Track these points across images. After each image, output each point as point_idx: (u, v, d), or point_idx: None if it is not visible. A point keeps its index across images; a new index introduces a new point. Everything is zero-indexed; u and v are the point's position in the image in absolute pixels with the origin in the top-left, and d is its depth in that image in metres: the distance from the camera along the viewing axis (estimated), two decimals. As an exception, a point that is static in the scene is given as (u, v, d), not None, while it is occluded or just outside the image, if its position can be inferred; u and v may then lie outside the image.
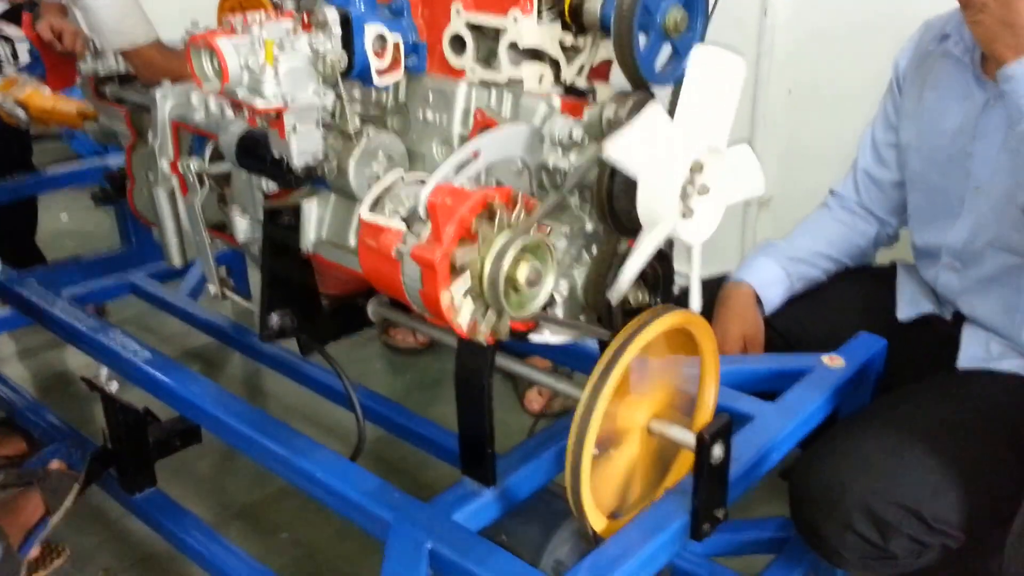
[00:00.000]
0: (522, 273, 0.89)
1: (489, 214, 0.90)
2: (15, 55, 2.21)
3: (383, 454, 1.98)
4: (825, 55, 2.07)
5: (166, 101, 1.45)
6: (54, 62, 1.99)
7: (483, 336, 0.91)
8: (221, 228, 1.43)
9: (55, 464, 1.54)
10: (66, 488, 1.50)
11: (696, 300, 1.06)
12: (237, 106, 1.02)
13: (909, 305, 1.56)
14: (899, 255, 1.67)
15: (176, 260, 1.54)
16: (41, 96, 1.97)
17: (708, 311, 1.57)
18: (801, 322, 1.59)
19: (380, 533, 1.10)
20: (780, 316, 1.60)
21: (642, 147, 0.90)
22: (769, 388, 1.38)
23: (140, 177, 1.60)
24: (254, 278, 1.63)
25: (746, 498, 1.27)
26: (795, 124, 2.18)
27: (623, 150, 0.90)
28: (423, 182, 0.99)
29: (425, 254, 0.87)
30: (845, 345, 1.44)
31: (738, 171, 1.04)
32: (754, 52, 2.15)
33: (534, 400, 2.14)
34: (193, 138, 1.44)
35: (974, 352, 1.42)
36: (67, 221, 3.26)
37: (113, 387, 1.56)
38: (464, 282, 0.90)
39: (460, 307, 0.90)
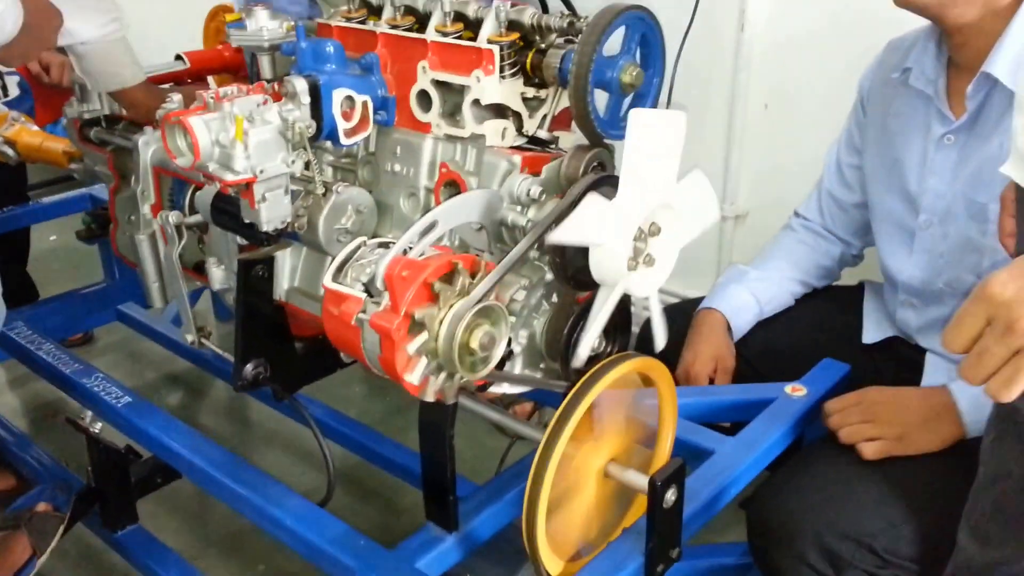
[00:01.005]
0: (476, 339, 0.97)
1: (446, 281, 0.99)
2: (4, 89, 2.29)
3: (362, 479, 2.06)
4: (801, 71, 2.14)
5: (148, 147, 1.53)
6: (42, 95, 2.07)
7: (431, 395, 0.99)
8: (202, 268, 1.52)
9: (41, 507, 1.62)
10: (52, 530, 1.58)
11: (660, 338, 1.13)
12: (209, 178, 1.10)
13: (875, 328, 1.64)
14: (867, 274, 1.75)
15: (157, 302, 1.61)
16: (29, 133, 2.04)
17: (684, 333, 1.68)
18: (771, 347, 1.66)
19: (346, 579, 1.19)
20: (750, 341, 1.68)
21: (584, 230, 0.98)
22: (734, 418, 1.47)
23: (122, 220, 1.68)
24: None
25: (713, 522, 1.36)
26: (771, 139, 2.25)
27: (568, 235, 0.98)
28: (387, 245, 1.07)
29: (383, 323, 0.95)
30: (808, 373, 1.52)
31: (692, 203, 1.09)
32: (731, 67, 2.22)
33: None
34: (174, 182, 1.53)
35: (936, 381, 1.47)
36: (55, 240, 3.35)
37: (97, 427, 1.64)
38: (421, 342, 0.98)
39: (415, 363, 0.98)
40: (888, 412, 1.35)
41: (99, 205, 1.95)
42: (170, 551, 1.72)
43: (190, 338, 1.51)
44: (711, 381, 1.60)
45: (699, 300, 1.73)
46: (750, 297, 1.68)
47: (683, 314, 1.72)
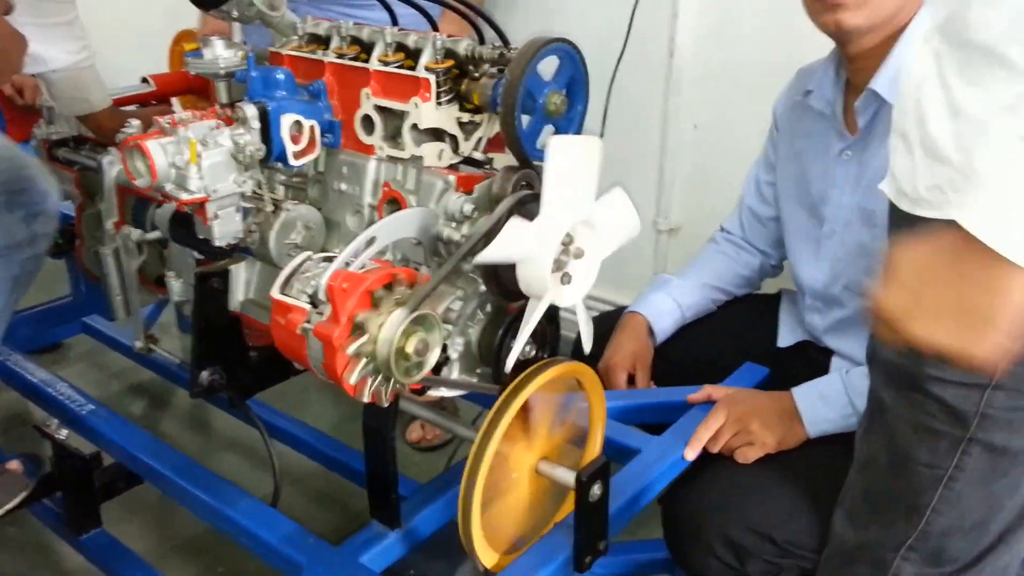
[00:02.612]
0: (411, 345, 1.01)
1: (389, 288, 1.03)
2: (-25, 109, 2.30)
3: (318, 485, 2.08)
4: (727, 94, 2.19)
5: (112, 168, 1.56)
6: (14, 115, 2.08)
7: (367, 397, 1.03)
8: (163, 281, 1.54)
9: (13, 464, 1.62)
10: (16, 491, 1.58)
11: (587, 341, 1.18)
12: (166, 197, 1.13)
13: (788, 333, 1.70)
14: (787, 283, 1.81)
15: (120, 314, 1.63)
16: None
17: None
18: (694, 350, 1.72)
19: (295, 575, 1.22)
20: (675, 345, 1.73)
21: (509, 248, 1.03)
22: (660, 420, 1.52)
23: (88, 236, 1.70)
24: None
25: (645, 519, 1.41)
26: (700, 157, 2.30)
27: (494, 255, 1.02)
28: (331, 259, 1.11)
29: (325, 332, 0.99)
30: (730, 377, 1.58)
31: (612, 218, 1.13)
32: (663, 90, 2.27)
33: (414, 431, 2.26)
34: (136, 200, 1.55)
35: None
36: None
37: (63, 434, 1.66)
38: (360, 341, 1.02)
39: (353, 366, 1.02)
40: (754, 422, 1.41)
41: (66, 222, 1.96)
42: (133, 553, 1.73)
43: (138, 344, 1.54)
44: (630, 377, 1.66)
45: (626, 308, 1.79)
46: (672, 303, 1.73)
47: (613, 321, 1.77)
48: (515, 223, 1.04)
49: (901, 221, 0.95)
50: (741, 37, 2.12)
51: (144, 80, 2.01)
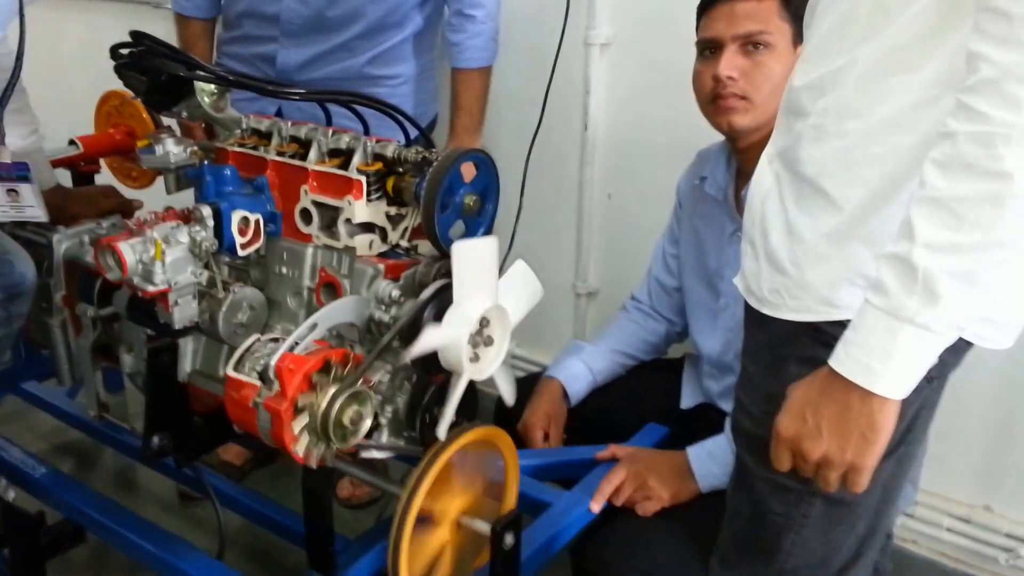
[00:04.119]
0: (347, 417, 1.26)
1: (325, 370, 1.27)
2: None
3: (250, 542, 2.29)
4: (637, 165, 2.44)
5: (61, 245, 1.73)
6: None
7: (314, 462, 1.27)
8: (104, 349, 1.75)
9: None
10: None
11: (508, 395, 1.43)
12: (132, 287, 1.37)
13: (690, 395, 1.98)
14: (691, 348, 2.08)
15: (66, 381, 1.84)
16: None
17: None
18: (605, 410, 1.98)
19: (237, 621, 1.45)
20: (587, 406, 1.99)
21: (430, 346, 1.28)
22: (571, 475, 1.78)
23: (35, 306, 1.89)
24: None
25: (558, 568, 1.65)
26: (614, 225, 2.55)
27: (419, 353, 1.28)
28: (276, 340, 1.35)
29: (274, 406, 1.23)
30: (634, 436, 1.85)
31: (517, 289, 1.40)
32: (578, 161, 2.51)
33: (344, 488, 2.49)
34: (82, 275, 1.76)
35: None
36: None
37: (10, 495, 1.86)
38: (304, 420, 1.26)
39: (300, 440, 1.26)
40: (651, 478, 1.67)
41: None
42: (76, 609, 1.94)
43: (93, 413, 1.75)
44: (546, 436, 1.91)
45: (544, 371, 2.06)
46: (585, 368, 1.99)
47: (532, 383, 2.04)
48: (431, 329, 1.29)
49: (750, 314, 1.23)
50: (648, 113, 2.39)
51: (72, 142, 2.21)
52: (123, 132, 2.24)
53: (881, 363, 0.99)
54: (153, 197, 2.04)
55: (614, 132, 2.49)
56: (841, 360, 1.02)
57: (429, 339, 1.28)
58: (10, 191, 1.66)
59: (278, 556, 2.28)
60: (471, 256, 1.29)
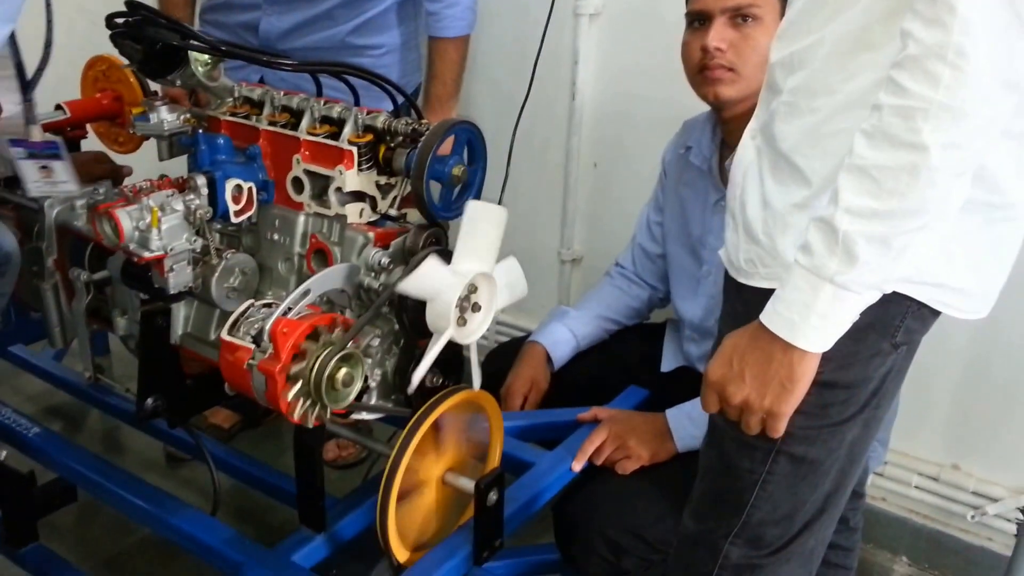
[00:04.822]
0: (338, 378, 1.34)
1: (316, 335, 1.35)
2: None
3: (239, 502, 2.38)
4: (623, 135, 2.53)
5: (53, 209, 1.80)
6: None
7: (310, 423, 1.36)
8: (95, 312, 1.83)
9: None
10: None
11: (476, 379, 1.53)
12: (129, 255, 1.45)
13: (670, 359, 2.07)
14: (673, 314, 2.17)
15: (58, 343, 1.91)
16: None
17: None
18: (587, 375, 2.07)
19: (234, 573, 1.53)
20: (570, 370, 2.08)
21: (425, 283, 1.37)
22: (553, 436, 1.87)
23: (26, 270, 1.96)
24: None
25: (541, 527, 1.74)
26: (600, 194, 2.64)
27: (412, 287, 1.37)
28: (269, 305, 1.43)
29: (268, 368, 1.31)
30: (615, 399, 1.95)
31: (508, 280, 1.49)
32: (565, 131, 2.59)
33: (330, 450, 2.59)
34: (74, 239, 1.83)
35: None
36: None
37: (2, 455, 1.93)
38: (297, 382, 1.34)
39: (294, 403, 1.34)
40: (631, 439, 1.77)
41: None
42: (70, 565, 1.98)
43: (88, 375, 1.83)
44: (526, 399, 2.01)
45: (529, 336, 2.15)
46: (568, 333, 2.09)
47: (516, 347, 2.13)
48: (431, 262, 1.38)
49: (728, 282, 1.31)
50: (636, 83, 2.47)
51: (58, 107, 2.26)
52: (110, 97, 2.27)
53: (802, 318, 1.08)
54: (140, 162, 2.11)
55: (602, 102, 2.57)
56: (768, 314, 1.12)
57: (426, 275, 1.36)
58: (43, 168, 1.73)
59: (266, 515, 2.37)
60: (482, 217, 1.38)
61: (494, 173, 1.61)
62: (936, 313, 1.21)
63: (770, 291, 1.17)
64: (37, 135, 1.78)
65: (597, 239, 2.71)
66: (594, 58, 2.52)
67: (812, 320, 1.08)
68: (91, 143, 2.32)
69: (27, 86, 1.76)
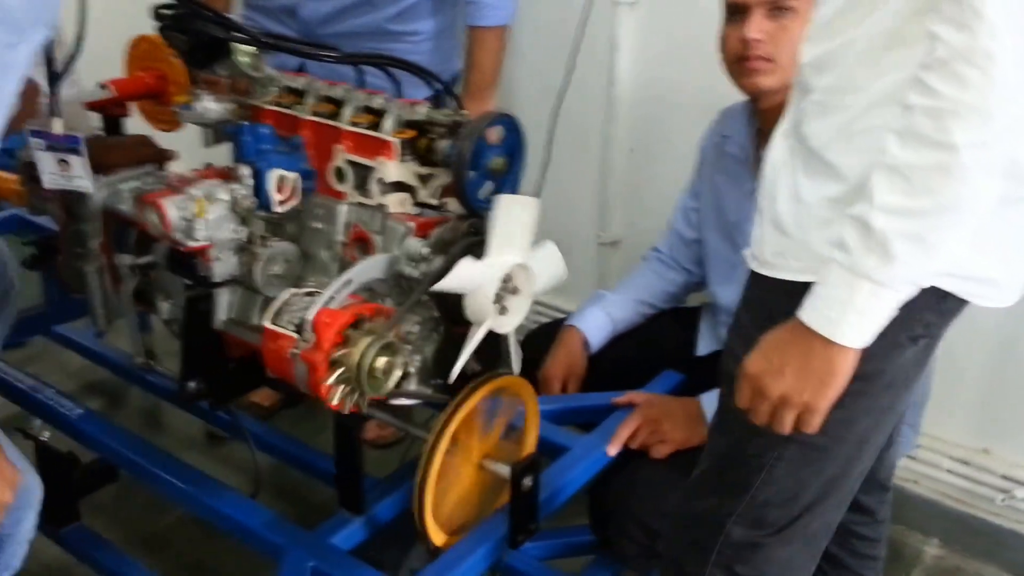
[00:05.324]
0: (379, 365, 1.39)
1: (358, 323, 1.40)
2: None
3: (278, 480, 2.45)
4: (660, 122, 2.56)
5: (100, 192, 1.85)
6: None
7: (348, 409, 1.41)
8: (138, 294, 1.88)
9: None
10: None
11: (516, 363, 1.58)
12: (175, 244, 1.50)
13: (706, 343, 2.11)
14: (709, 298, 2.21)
15: (102, 325, 1.97)
16: None
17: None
18: (623, 359, 2.12)
19: (274, 555, 1.59)
20: (606, 354, 2.12)
21: (462, 281, 1.41)
22: (588, 420, 1.92)
23: (70, 252, 2.02)
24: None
25: (576, 508, 1.79)
26: (636, 178, 2.68)
27: (450, 285, 1.41)
28: (312, 294, 1.48)
29: (311, 357, 1.37)
30: (650, 383, 1.99)
31: (543, 266, 1.54)
32: (602, 117, 2.64)
33: (370, 430, 2.64)
34: (119, 223, 1.89)
35: None
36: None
37: (45, 436, 1.99)
38: (338, 370, 1.39)
39: (334, 388, 1.39)
40: (666, 423, 1.82)
41: (41, 235, 2.28)
42: (110, 544, 2.06)
43: (139, 360, 1.89)
44: (564, 384, 2.05)
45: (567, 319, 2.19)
46: (605, 317, 2.13)
47: (554, 331, 2.18)
48: (466, 262, 1.42)
49: (751, 278, 1.34)
50: (673, 71, 2.51)
51: (102, 86, 2.32)
52: (154, 76, 2.32)
53: (840, 315, 1.11)
54: (181, 142, 2.16)
55: (639, 89, 2.61)
56: (807, 311, 1.14)
57: (462, 273, 1.40)
58: (61, 161, 1.78)
59: (306, 494, 2.44)
60: (514, 210, 1.42)
61: (534, 157, 1.65)
62: (962, 303, 1.24)
63: (795, 283, 1.20)
64: (59, 128, 1.82)
65: (635, 223, 2.75)
66: (632, 46, 2.55)
67: (850, 316, 1.11)
68: (134, 121, 2.37)
69: (54, 78, 1.80)
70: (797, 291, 1.19)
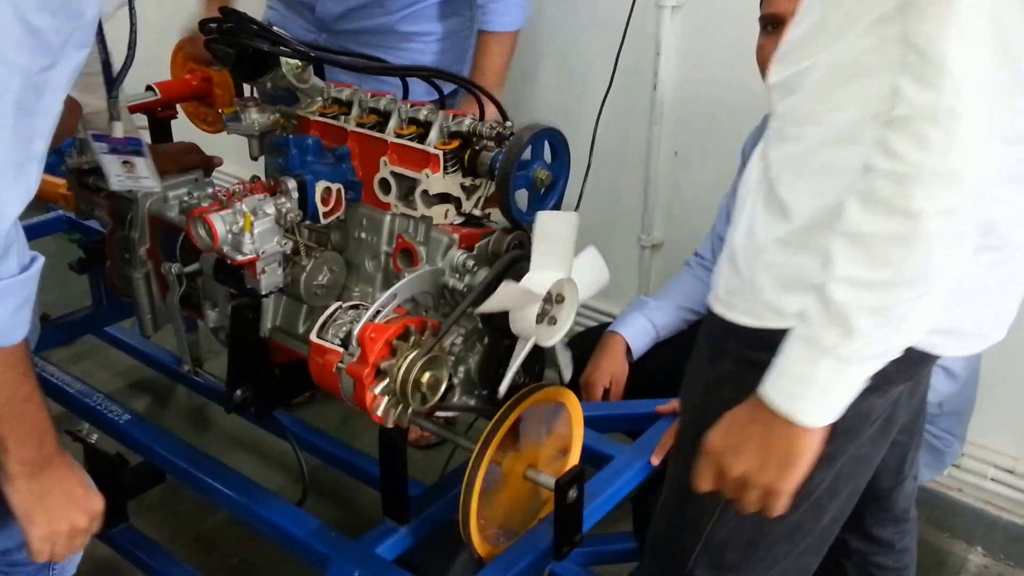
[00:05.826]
0: (424, 380, 1.41)
1: (404, 336, 1.42)
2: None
3: (325, 483, 2.47)
4: (704, 125, 2.58)
5: (146, 200, 1.90)
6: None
7: (391, 423, 1.43)
8: (184, 299, 1.91)
9: None
10: None
11: (567, 371, 1.58)
12: (222, 257, 1.53)
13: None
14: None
15: (149, 330, 2.02)
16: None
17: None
18: (666, 366, 2.09)
19: (320, 565, 1.61)
20: (649, 361, 2.13)
21: (505, 301, 1.43)
22: (634, 428, 1.93)
23: (117, 257, 2.06)
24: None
25: (618, 515, 1.80)
26: (680, 181, 2.69)
27: (494, 306, 1.42)
28: (357, 307, 1.50)
29: (356, 371, 1.39)
30: (695, 392, 1.99)
31: (587, 271, 1.53)
32: (647, 120, 2.66)
33: (413, 431, 2.64)
34: (166, 229, 1.92)
35: None
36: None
37: (93, 438, 2.04)
38: (384, 384, 1.41)
39: (379, 401, 1.41)
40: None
41: (91, 239, 2.33)
42: (157, 545, 2.11)
43: (188, 368, 1.92)
44: (606, 391, 2.06)
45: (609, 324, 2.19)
46: (648, 324, 2.14)
47: (597, 336, 2.19)
48: (508, 285, 1.43)
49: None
50: (716, 75, 2.52)
51: (149, 88, 2.36)
52: (199, 78, 2.37)
53: (802, 391, 1.04)
54: (226, 147, 2.19)
55: (682, 92, 2.63)
56: (767, 386, 1.06)
57: (505, 295, 1.42)
58: (125, 163, 1.82)
59: (352, 497, 2.48)
60: (553, 227, 1.43)
61: (577, 161, 1.67)
62: (926, 355, 1.18)
63: (742, 328, 1.16)
64: (119, 131, 1.86)
65: (677, 226, 2.77)
66: (675, 49, 2.58)
67: (812, 394, 1.04)
68: (180, 123, 2.40)
69: (112, 83, 1.84)
70: (743, 333, 1.15)
